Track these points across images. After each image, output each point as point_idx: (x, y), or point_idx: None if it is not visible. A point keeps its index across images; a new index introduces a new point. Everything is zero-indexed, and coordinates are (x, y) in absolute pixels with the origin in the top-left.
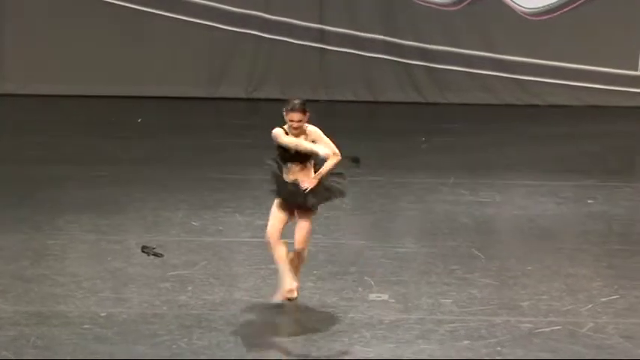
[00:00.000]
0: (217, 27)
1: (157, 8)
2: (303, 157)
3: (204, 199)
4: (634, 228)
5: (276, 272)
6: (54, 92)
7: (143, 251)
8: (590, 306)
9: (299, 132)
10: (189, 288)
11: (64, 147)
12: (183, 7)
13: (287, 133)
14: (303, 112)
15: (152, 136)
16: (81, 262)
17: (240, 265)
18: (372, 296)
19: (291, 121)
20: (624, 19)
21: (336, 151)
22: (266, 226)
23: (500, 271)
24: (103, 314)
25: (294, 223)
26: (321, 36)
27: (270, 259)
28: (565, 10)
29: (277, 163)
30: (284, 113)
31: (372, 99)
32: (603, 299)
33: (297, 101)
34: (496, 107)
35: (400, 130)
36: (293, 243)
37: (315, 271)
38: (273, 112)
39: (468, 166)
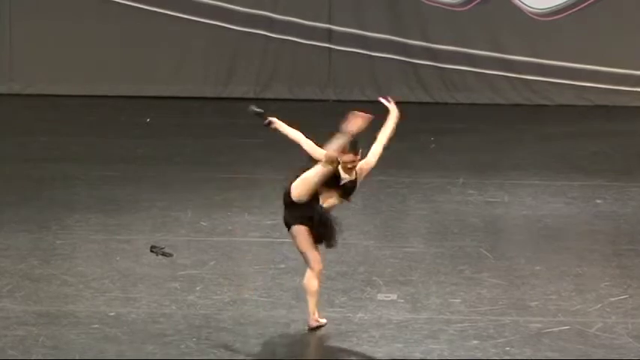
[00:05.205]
0: (225, 27)
1: (164, 8)
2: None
3: (213, 198)
4: None
5: (284, 271)
6: (61, 92)
7: (152, 251)
8: (599, 306)
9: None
10: (198, 288)
11: (71, 147)
12: (191, 6)
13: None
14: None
15: (160, 136)
16: (89, 262)
17: (249, 264)
18: (381, 296)
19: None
20: (632, 19)
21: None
22: (315, 258)
23: (508, 271)
24: (111, 314)
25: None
26: (330, 36)
27: (278, 259)
28: (573, 10)
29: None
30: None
31: None
32: (612, 299)
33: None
34: (504, 107)
35: (408, 130)
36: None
37: (323, 271)
38: (281, 111)
39: (477, 166)
